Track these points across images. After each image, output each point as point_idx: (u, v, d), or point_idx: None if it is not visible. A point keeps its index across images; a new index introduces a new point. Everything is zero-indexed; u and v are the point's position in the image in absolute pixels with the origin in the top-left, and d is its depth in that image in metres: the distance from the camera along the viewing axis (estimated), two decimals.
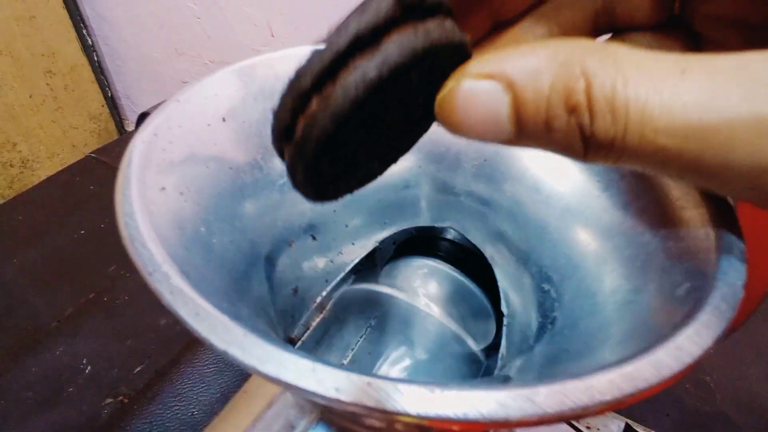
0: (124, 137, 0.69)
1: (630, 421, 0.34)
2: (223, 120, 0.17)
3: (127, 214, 0.12)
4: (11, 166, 0.87)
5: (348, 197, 0.20)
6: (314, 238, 0.20)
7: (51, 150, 0.93)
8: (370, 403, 0.09)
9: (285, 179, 0.18)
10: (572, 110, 0.09)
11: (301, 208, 0.19)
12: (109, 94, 1.00)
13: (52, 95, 0.90)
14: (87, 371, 0.42)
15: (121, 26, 0.93)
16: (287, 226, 0.19)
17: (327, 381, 0.09)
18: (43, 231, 0.54)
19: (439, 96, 0.10)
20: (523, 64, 0.09)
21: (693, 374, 0.41)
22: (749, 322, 0.39)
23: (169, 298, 0.10)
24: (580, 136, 0.09)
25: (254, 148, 0.18)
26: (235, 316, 0.10)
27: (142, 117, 0.51)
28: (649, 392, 0.09)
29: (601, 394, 0.09)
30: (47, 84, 0.88)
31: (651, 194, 0.14)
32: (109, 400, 0.40)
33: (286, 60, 0.19)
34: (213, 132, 0.17)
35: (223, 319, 0.10)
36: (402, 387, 0.09)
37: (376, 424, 0.15)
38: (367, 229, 0.21)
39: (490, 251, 0.20)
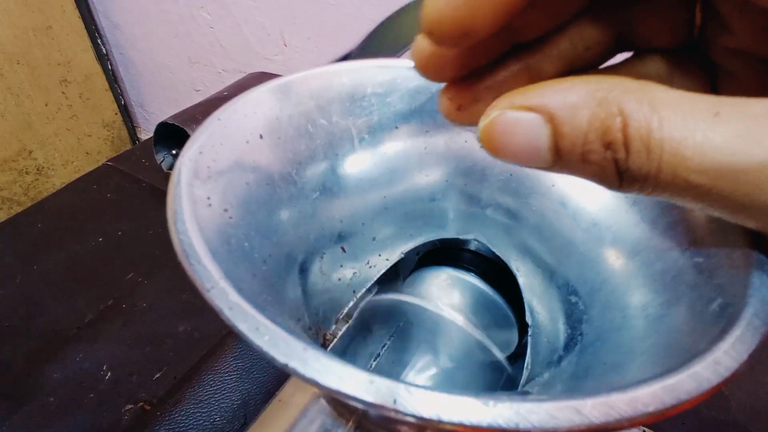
0: (140, 145, 0.70)
1: (646, 429, 0.34)
2: (261, 137, 0.18)
3: (181, 232, 0.12)
4: (27, 173, 0.89)
5: (377, 209, 0.21)
6: (344, 249, 0.20)
7: (65, 157, 0.94)
8: (427, 414, 0.09)
9: (318, 193, 0.19)
10: (608, 146, 0.10)
11: (332, 220, 0.20)
12: (122, 102, 1.02)
13: (67, 104, 0.91)
14: (107, 377, 0.42)
15: (135, 35, 0.94)
16: (319, 238, 0.19)
17: (385, 392, 0.09)
18: (62, 238, 0.55)
19: (483, 123, 0.11)
20: (564, 99, 0.10)
21: None
22: None
23: (228, 313, 0.11)
24: (615, 169, 0.10)
25: (289, 164, 0.18)
26: (287, 329, 0.11)
27: (162, 126, 0.52)
28: (690, 404, 0.09)
29: (644, 405, 0.09)
30: (63, 93, 0.90)
31: (678, 210, 0.15)
32: (130, 406, 0.40)
33: (319, 78, 0.19)
34: (251, 148, 0.17)
35: (283, 334, 0.10)
36: (457, 399, 0.09)
37: (411, 431, 0.16)
38: (394, 241, 0.22)
39: (515, 263, 0.20)
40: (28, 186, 0.89)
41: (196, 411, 0.34)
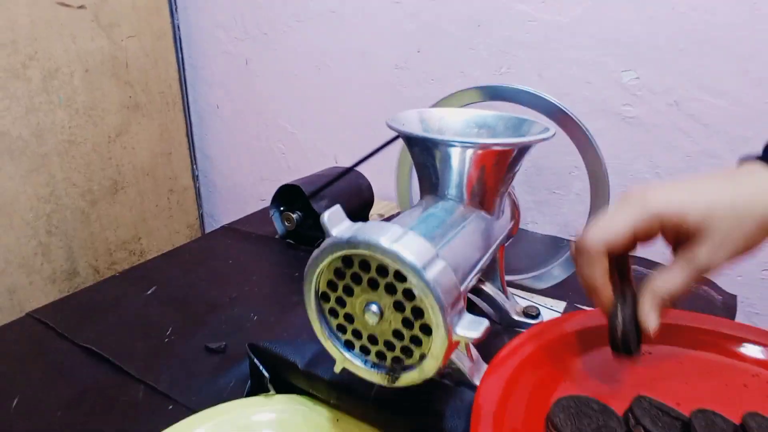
0: (245, 217, 1.00)
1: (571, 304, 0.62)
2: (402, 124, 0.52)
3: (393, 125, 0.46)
4: (133, 254, 1.18)
5: None
6: None
7: (159, 246, 1.24)
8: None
9: None
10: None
11: None
12: (201, 212, 1.36)
13: (169, 207, 1.25)
14: (255, 319, 0.69)
15: (221, 163, 1.32)
16: None
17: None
18: (207, 262, 0.84)
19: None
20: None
21: None
22: None
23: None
24: None
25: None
26: None
27: (279, 189, 0.83)
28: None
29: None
30: (168, 199, 1.24)
31: None
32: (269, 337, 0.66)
33: (431, 111, 0.54)
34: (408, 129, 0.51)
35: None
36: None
37: None
38: None
39: None
40: (131, 264, 1.18)
41: None
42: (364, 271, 0.36)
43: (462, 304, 0.35)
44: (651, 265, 0.80)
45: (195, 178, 1.32)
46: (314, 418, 0.48)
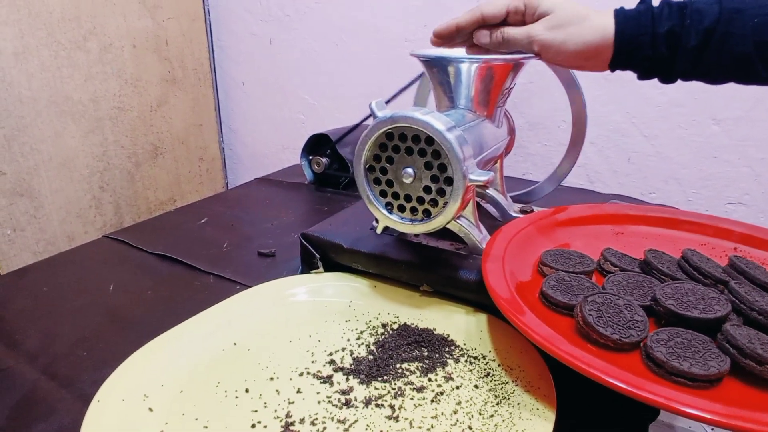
0: (278, 171, 1.14)
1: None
2: None
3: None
4: None
5: None
6: None
7: None
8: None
9: None
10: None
11: None
12: (226, 181, 1.49)
13: (199, 174, 1.38)
14: (294, 236, 0.82)
15: (245, 136, 1.46)
16: None
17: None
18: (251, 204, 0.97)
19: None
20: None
21: None
22: None
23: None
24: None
25: None
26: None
27: (309, 138, 0.97)
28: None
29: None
30: (199, 167, 1.37)
31: None
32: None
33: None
34: None
35: None
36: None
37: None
38: None
39: None
40: None
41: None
42: (402, 141, 0.49)
43: (473, 161, 0.49)
44: (628, 199, 0.93)
45: (221, 150, 1.45)
46: (357, 286, 0.61)
